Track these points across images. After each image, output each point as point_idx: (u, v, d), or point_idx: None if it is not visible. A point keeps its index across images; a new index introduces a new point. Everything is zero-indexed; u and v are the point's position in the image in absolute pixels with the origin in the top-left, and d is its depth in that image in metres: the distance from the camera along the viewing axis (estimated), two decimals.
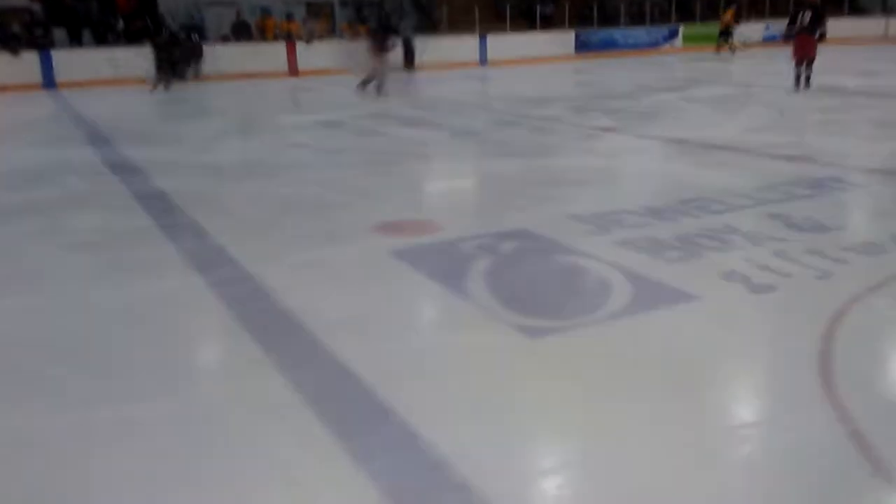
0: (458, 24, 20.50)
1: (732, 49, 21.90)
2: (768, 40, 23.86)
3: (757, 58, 20.31)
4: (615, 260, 4.11)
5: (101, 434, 2.59)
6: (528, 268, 4.11)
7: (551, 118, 10.13)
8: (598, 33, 23.30)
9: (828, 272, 3.84)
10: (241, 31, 19.50)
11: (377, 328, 3.41)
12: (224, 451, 2.46)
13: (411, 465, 2.33)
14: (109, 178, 6.88)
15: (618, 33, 23.58)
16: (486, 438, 2.48)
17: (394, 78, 13.77)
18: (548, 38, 21.96)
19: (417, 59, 13.17)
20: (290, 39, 19.03)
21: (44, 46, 16.67)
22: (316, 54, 18.55)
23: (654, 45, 23.82)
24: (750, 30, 23.29)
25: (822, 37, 11.89)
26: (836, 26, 13.02)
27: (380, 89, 12.91)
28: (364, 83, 12.97)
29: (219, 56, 16.19)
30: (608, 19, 24.15)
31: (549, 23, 23.15)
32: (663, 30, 24.27)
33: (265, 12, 19.97)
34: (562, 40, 22.31)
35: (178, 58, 15.81)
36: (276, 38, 19.31)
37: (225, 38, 19.39)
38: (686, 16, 25.13)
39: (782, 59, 18.10)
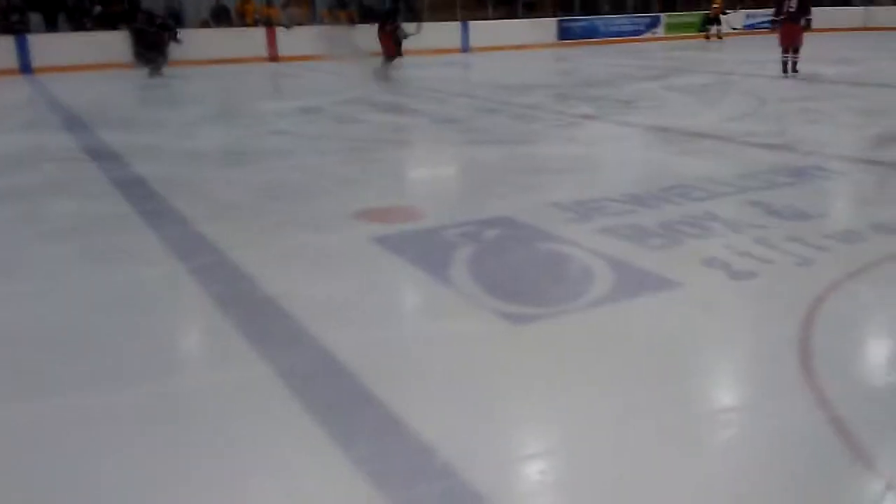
0: (439, 11, 20.41)
1: (720, 37, 22.09)
2: (749, 28, 23.97)
3: (738, 46, 20.41)
4: (597, 247, 4.12)
5: (80, 420, 2.55)
6: (511, 255, 4.11)
7: (533, 105, 10.12)
8: (580, 21, 23.29)
9: (808, 259, 3.86)
10: (220, 17, 19.29)
11: (360, 315, 3.39)
12: (207, 438, 2.44)
13: (395, 451, 2.32)
14: (87, 165, 6.79)
15: (600, 21, 23.58)
16: (470, 424, 2.47)
17: (376, 64, 13.69)
18: (530, 26, 21.92)
19: (413, 38, 13.30)
20: (269, 25, 18.86)
21: (19, 31, 16.40)
22: (296, 40, 18.39)
23: (635, 33, 23.84)
24: (732, 18, 23.42)
25: (808, 24, 12.20)
26: (817, 15, 13.31)
27: (384, 73, 13.13)
28: (384, 69, 13.21)
29: (189, 43, 15.95)
30: (590, 7, 24.14)
31: (531, 10, 23.10)
32: (645, 18, 24.30)
33: None
34: (544, 28, 22.28)
35: (153, 42, 15.63)
36: (255, 23, 19.13)
37: (204, 24, 19.17)
38: (668, 5, 25.17)
39: (763, 48, 18.22)
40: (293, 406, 2.59)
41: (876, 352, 3.12)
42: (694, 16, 24.97)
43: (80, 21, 17.62)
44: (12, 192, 5.80)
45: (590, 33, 23.02)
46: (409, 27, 13.72)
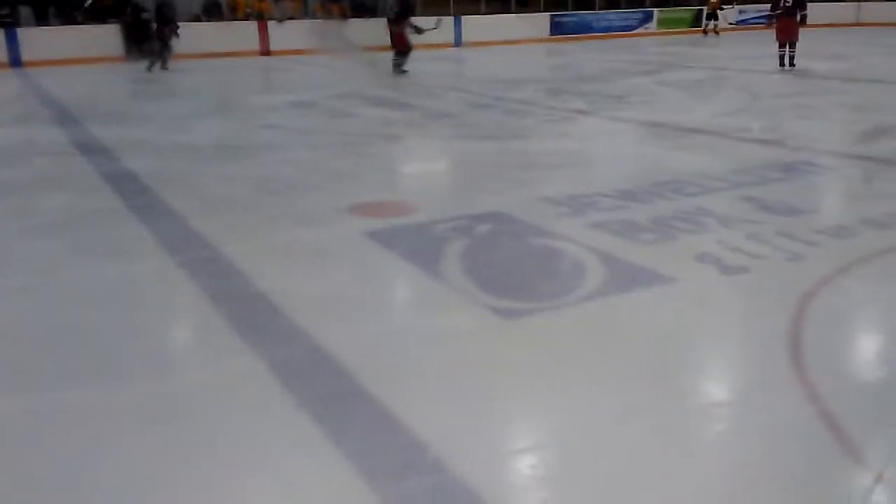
0: (432, 6, 20.35)
1: (717, 32, 22.18)
2: (741, 24, 24.01)
3: (731, 42, 20.44)
4: (590, 242, 4.12)
5: (71, 417, 2.54)
6: (503, 250, 4.10)
7: (526, 100, 10.11)
8: (573, 16, 23.27)
9: (799, 254, 3.87)
10: (211, 10, 19.19)
11: (352, 310, 3.39)
12: (199, 434, 2.43)
13: (387, 446, 2.32)
14: (78, 159, 6.75)
15: (592, 16, 23.56)
16: (461, 419, 2.47)
17: (368, 58, 13.66)
18: (523, 21, 21.90)
19: (433, 32, 13.52)
20: (261, 19, 18.78)
21: (9, 25, 16.29)
22: (288, 34, 18.32)
23: (628, 28, 23.83)
24: (729, 14, 23.48)
25: (804, 19, 12.44)
26: (810, 10, 13.49)
27: (398, 66, 13.35)
28: (398, 65, 13.33)
29: (180, 37, 15.91)
30: (583, 2, 24.12)
31: (524, 5, 23.07)
32: (638, 13, 24.30)
33: None
34: (537, 23, 22.25)
35: (144, 36, 15.59)
36: (247, 17, 19.05)
37: (195, 18, 19.08)
38: (660, 0, 25.17)
39: (756, 43, 18.25)
40: (285, 401, 2.59)
41: (866, 347, 3.13)
42: (686, 11, 25.00)
43: (71, 14, 17.52)
44: (2, 186, 5.76)
45: (582, 28, 23.00)
46: (428, 21, 13.79)
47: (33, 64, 15.78)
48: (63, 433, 2.45)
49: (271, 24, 18.70)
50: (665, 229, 4.32)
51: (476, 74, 14.16)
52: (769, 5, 13.28)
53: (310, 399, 2.59)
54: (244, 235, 4.43)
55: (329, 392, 2.65)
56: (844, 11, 25.71)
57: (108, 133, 7.92)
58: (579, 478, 2.19)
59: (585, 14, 23.53)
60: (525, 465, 2.29)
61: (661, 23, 24.31)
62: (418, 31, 13.50)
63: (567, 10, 23.41)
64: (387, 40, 16.01)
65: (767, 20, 13.58)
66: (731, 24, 23.10)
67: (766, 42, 13.06)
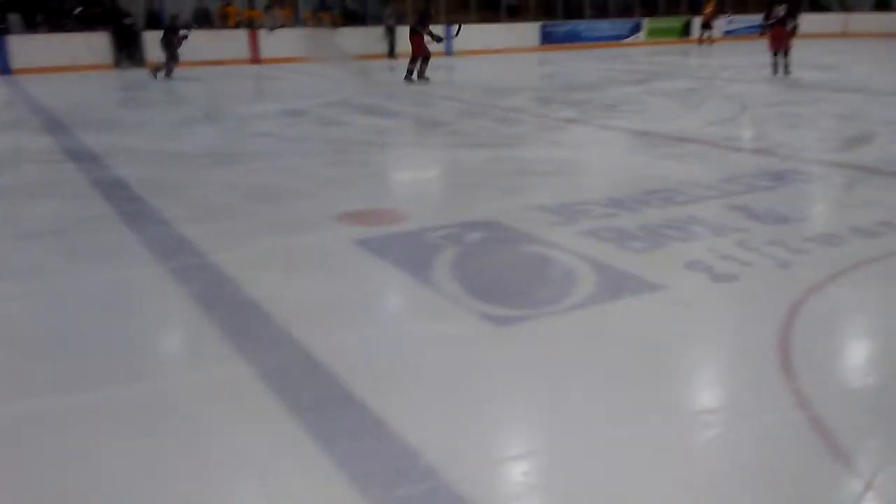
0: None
1: (711, 41, 22.41)
2: (729, 34, 24.17)
3: (720, 51, 20.58)
4: (581, 250, 4.13)
5: (60, 422, 2.52)
6: (495, 257, 4.11)
7: (516, 109, 10.14)
8: (563, 25, 23.38)
9: (788, 262, 3.90)
10: (202, 19, 19.19)
11: (342, 317, 3.38)
12: (190, 440, 2.42)
13: (378, 452, 2.31)
14: (68, 166, 6.73)
15: (582, 25, 23.68)
16: (453, 426, 2.47)
17: (358, 66, 13.69)
18: (513, 30, 21.98)
19: (453, 39, 13.79)
20: (252, 27, 18.79)
21: None
22: (279, 42, 18.33)
23: (618, 37, 23.96)
24: (721, 23, 23.71)
25: (795, 29, 13.01)
26: (799, 21, 13.79)
27: (421, 74, 13.59)
28: (410, 72, 13.60)
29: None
30: (573, 12, 24.24)
31: (514, 14, 23.17)
32: (627, 23, 24.43)
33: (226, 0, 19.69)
34: (527, 32, 22.35)
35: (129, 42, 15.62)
36: (237, 25, 19.05)
37: (186, 25, 19.08)
38: (650, 10, 25.33)
39: (744, 53, 18.38)
40: (277, 407, 2.58)
41: (855, 353, 3.15)
42: (676, 20, 25.16)
43: (60, 22, 17.48)
44: None
45: (572, 38, 23.11)
46: (450, 30, 13.99)
47: (23, 71, 15.74)
48: (53, 438, 2.43)
49: (262, 33, 18.72)
50: (655, 237, 4.34)
51: (467, 82, 14.20)
52: (758, 16, 13.61)
53: (301, 406, 2.59)
54: (235, 243, 4.42)
55: (320, 399, 2.65)
56: (831, 22, 25.95)
57: (98, 140, 7.89)
58: (571, 485, 2.19)
59: (575, 23, 23.65)
60: (517, 471, 2.28)
61: (650, 32, 24.45)
62: (437, 39, 13.73)
63: (557, 20, 23.52)
64: (377, 48, 16.13)
65: (760, 30, 14.18)
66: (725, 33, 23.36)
67: (754, 52, 13.20)
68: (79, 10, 17.52)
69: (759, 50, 13.41)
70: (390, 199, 5.75)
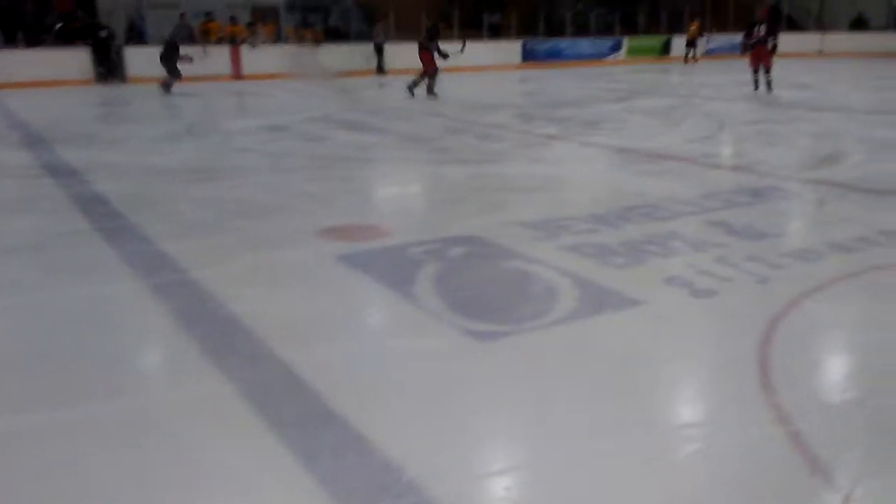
0: (404, 32, 20.51)
1: (695, 59, 22.80)
2: (708, 53, 24.47)
3: (699, 70, 20.84)
4: (562, 265, 4.15)
5: (37, 440, 2.49)
6: (477, 273, 4.12)
7: (499, 125, 10.20)
8: (545, 43, 23.59)
9: (767, 277, 3.93)
10: (183, 34, 19.15)
11: (324, 333, 3.37)
12: (169, 457, 2.39)
13: (360, 468, 2.30)
14: (46, 181, 6.67)
15: (564, 44, 23.91)
16: (435, 442, 2.47)
17: (339, 83, 13.72)
18: (495, 47, 22.14)
19: (461, 56, 14.00)
20: (233, 43, 18.80)
21: None
22: (261, 58, 18.35)
23: (598, 55, 24.21)
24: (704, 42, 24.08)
25: (774, 48, 13.51)
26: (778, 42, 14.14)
27: (429, 89, 13.72)
28: (415, 85, 13.77)
29: (150, 59, 15.94)
30: (554, 30, 24.47)
31: (496, 32, 23.35)
32: (608, 41, 24.69)
33: (208, 16, 19.69)
34: (508, 49, 22.52)
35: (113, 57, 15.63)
36: (219, 41, 19.05)
37: (187, 34, 19.08)
38: (629, 29, 25.63)
39: (723, 71, 18.62)
40: (257, 424, 2.56)
41: (833, 368, 3.18)
42: (655, 39, 25.47)
43: (39, 37, 17.41)
44: None
45: (553, 55, 23.33)
46: (454, 46, 14.20)
47: (2, 86, 15.62)
48: (30, 455, 2.40)
49: (244, 49, 18.73)
50: (636, 253, 4.37)
51: (450, 99, 14.26)
52: (736, 35, 14.03)
53: (282, 422, 2.57)
54: (216, 258, 4.40)
55: (302, 415, 2.63)
56: (808, 42, 26.38)
57: (78, 156, 7.84)
58: (554, 499, 2.19)
59: (557, 41, 23.87)
60: (500, 486, 2.28)
61: (630, 51, 24.74)
62: (444, 55, 13.85)
63: (539, 38, 23.73)
64: (363, 65, 16.23)
65: (741, 49, 14.44)
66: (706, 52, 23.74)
67: (733, 70, 13.42)
68: (59, 25, 17.47)
69: (738, 68, 13.64)
70: (373, 214, 5.75)
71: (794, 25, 27.99)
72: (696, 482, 2.29)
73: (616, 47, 24.65)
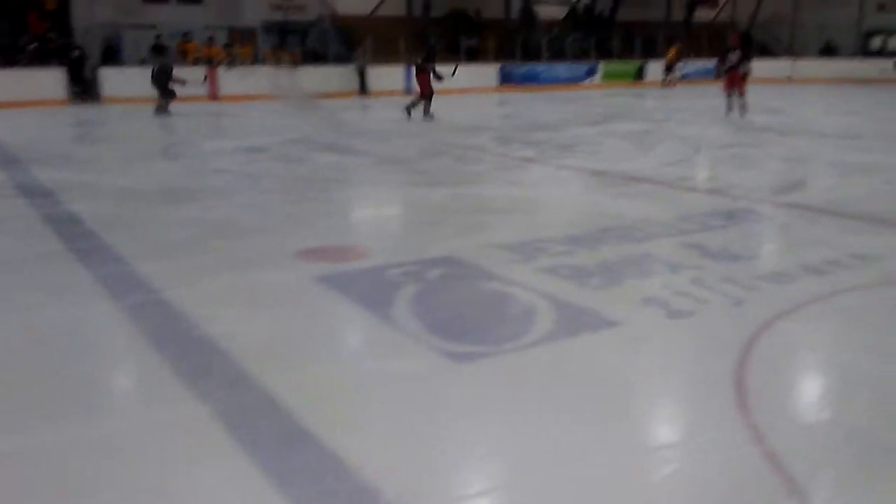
0: (383, 54, 20.63)
1: (673, 84, 23.22)
2: (682, 78, 24.83)
3: (673, 95, 21.13)
4: (540, 287, 4.16)
5: (5, 462, 2.44)
6: (455, 294, 4.12)
7: (476, 147, 10.26)
8: (521, 67, 23.82)
9: (742, 299, 3.97)
10: (159, 55, 19.10)
11: (301, 355, 3.35)
12: (141, 482, 2.35)
13: (336, 491, 2.28)
14: (19, 202, 6.59)
15: (540, 67, 24.16)
16: (412, 463, 2.45)
17: (322, 106, 13.74)
18: (472, 70, 22.30)
19: (451, 79, 14.42)
20: (210, 64, 18.76)
21: None
22: (238, 79, 18.32)
23: (574, 80, 24.48)
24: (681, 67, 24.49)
25: (748, 73, 14.00)
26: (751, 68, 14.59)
27: (426, 111, 13.87)
28: (412, 105, 13.91)
29: (126, 80, 15.95)
30: (530, 54, 24.72)
31: (473, 55, 23.54)
32: (584, 66, 24.99)
33: (185, 37, 19.66)
34: (486, 72, 22.70)
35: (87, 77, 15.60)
36: (196, 62, 19.00)
37: (142, 61, 19.03)
38: (605, 54, 25.97)
39: (697, 96, 18.89)
40: (231, 447, 2.53)
41: (808, 388, 3.21)
42: (630, 64, 25.82)
43: (14, 58, 17.27)
44: None
45: (530, 79, 23.55)
46: (447, 69, 14.44)
47: None
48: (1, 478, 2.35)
49: (221, 70, 18.70)
50: (612, 274, 4.40)
51: (426, 122, 14.32)
52: (711, 61, 14.44)
53: (257, 444, 2.54)
54: (191, 280, 4.36)
55: (277, 437, 2.60)
56: (779, 68, 26.90)
57: (52, 176, 7.77)
58: None
59: (533, 65, 24.11)
60: None
61: (605, 75, 25.04)
62: (438, 77, 14.04)
63: (515, 62, 23.95)
64: (344, 87, 16.30)
65: (715, 74, 15.13)
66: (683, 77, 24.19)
67: (706, 95, 13.62)
68: (33, 45, 17.37)
69: (711, 93, 13.86)
70: (351, 235, 5.75)
71: (766, 52, 28.54)
72: (672, 501, 2.29)
73: (591, 72, 24.95)
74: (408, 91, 20.72)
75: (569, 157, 9.46)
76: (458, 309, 3.89)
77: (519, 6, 26.85)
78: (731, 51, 14.04)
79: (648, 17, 28.89)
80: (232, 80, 18.41)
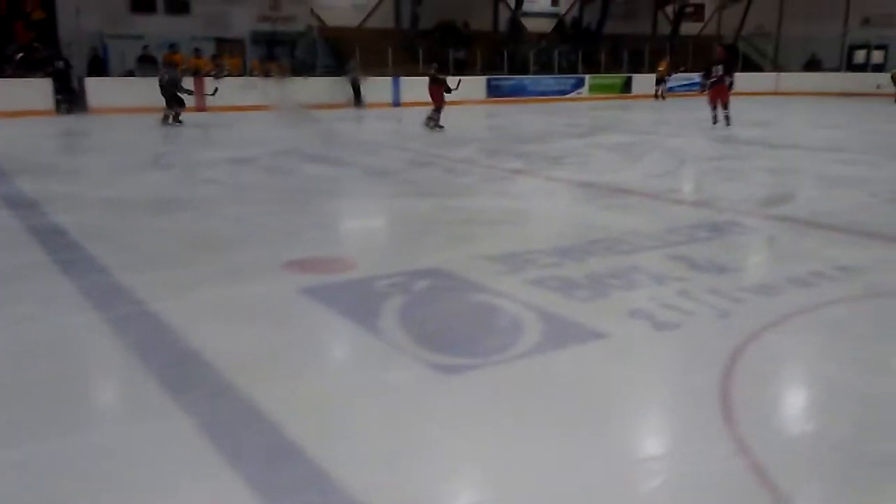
0: (371, 67, 20.67)
1: (663, 96, 23.47)
2: (670, 91, 25.00)
3: (659, 108, 21.26)
4: (527, 299, 4.16)
5: None
6: (442, 306, 4.11)
7: (465, 159, 10.27)
8: (509, 80, 23.92)
9: (728, 311, 3.98)
10: (146, 66, 19.08)
11: (287, 367, 3.33)
12: (126, 495, 2.33)
13: None
14: (3, 213, 6.53)
15: (528, 80, 24.27)
16: (399, 476, 2.43)
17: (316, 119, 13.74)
18: (461, 83, 22.34)
19: (453, 92, 14.62)
20: (197, 75, 18.72)
21: None
22: (225, 90, 18.28)
23: (561, 92, 24.60)
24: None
25: (731, 85, 14.54)
26: (736, 80, 15.08)
27: (435, 122, 14.10)
28: (430, 119, 14.17)
29: (114, 90, 15.91)
30: (518, 67, 24.84)
31: (461, 67, 23.61)
32: (571, 79, 25.12)
33: (172, 48, 19.62)
34: (474, 85, 22.75)
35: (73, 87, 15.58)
36: (183, 73, 18.95)
37: (129, 73, 18.98)
38: (592, 66, 26.12)
39: (682, 109, 19.02)
40: (216, 461, 2.51)
41: (794, 401, 3.22)
42: (617, 77, 25.98)
43: (1, 68, 17.18)
44: None
45: (518, 91, 23.65)
46: (452, 82, 14.64)
47: None
48: None
49: (208, 81, 18.66)
50: (600, 286, 4.40)
51: (415, 133, 14.34)
52: (696, 74, 14.80)
53: (243, 458, 2.52)
54: (176, 291, 4.33)
55: (263, 451, 2.58)
56: (764, 81, 27.17)
57: (36, 187, 7.72)
58: None
59: (521, 78, 24.22)
60: None
61: (592, 88, 25.18)
62: (448, 90, 14.35)
63: (503, 74, 24.05)
64: (335, 98, 16.38)
65: (701, 87, 15.57)
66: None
67: (692, 107, 13.72)
68: (20, 55, 17.29)
69: (697, 106, 13.97)
70: (338, 247, 5.73)
71: (752, 66, 28.80)
72: None
73: (579, 84, 25.09)
74: (396, 103, 20.80)
75: (557, 168, 9.49)
76: (445, 321, 3.88)
77: (507, 19, 26.98)
78: (715, 64, 14.41)
79: (635, 31, 29.11)
80: (220, 90, 18.36)
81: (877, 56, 27.63)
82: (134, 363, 3.33)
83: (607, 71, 26.15)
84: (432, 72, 14.66)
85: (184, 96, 14.74)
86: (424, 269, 4.73)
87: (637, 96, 25.16)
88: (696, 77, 17.01)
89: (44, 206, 6.72)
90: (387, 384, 3.16)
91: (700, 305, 4.05)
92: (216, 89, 15.53)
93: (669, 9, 30.29)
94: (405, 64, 21.97)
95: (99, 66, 18.97)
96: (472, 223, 6.27)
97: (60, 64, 17.06)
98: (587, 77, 25.33)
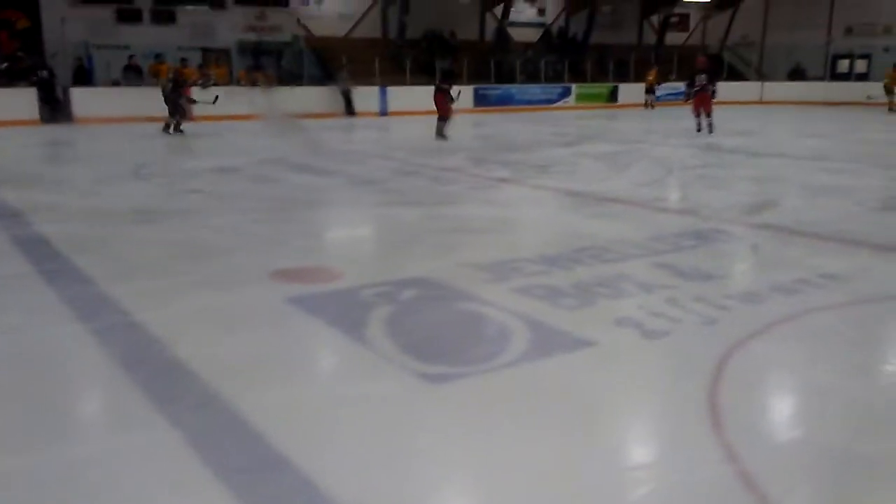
0: (358, 76, 20.67)
1: (652, 105, 23.67)
2: (656, 100, 25.16)
3: (643, 117, 21.39)
4: (514, 307, 4.16)
5: None
6: (428, 315, 4.10)
7: (451, 168, 10.28)
8: (496, 89, 23.99)
9: (715, 319, 4.00)
10: (132, 75, 19.02)
11: (274, 377, 3.31)
12: None
13: None
14: None
15: (514, 89, 24.36)
16: (387, 486, 2.42)
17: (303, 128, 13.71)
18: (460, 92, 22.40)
19: (455, 102, 14.68)
20: (185, 85, 18.66)
21: None
22: (212, 100, 18.22)
23: (548, 101, 24.70)
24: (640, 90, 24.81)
25: (714, 93, 15.09)
26: (720, 89, 15.74)
27: (438, 132, 14.23)
28: (440, 130, 14.25)
29: (99, 100, 15.84)
30: (505, 77, 24.92)
31: (448, 77, 23.63)
32: (557, 88, 25.24)
33: (158, 58, 19.57)
34: (461, 94, 22.79)
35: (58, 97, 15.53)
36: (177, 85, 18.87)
37: (115, 82, 18.91)
38: (578, 76, 26.25)
39: (668, 118, 19.14)
40: (202, 472, 2.48)
41: (781, 407, 3.23)
42: (603, 87, 26.12)
43: None
44: None
45: (505, 101, 23.73)
46: (453, 91, 14.66)
47: None
48: None
49: (194, 90, 18.60)
50: (586, 294, 4.41)
51: (401, 142, 14.36)
52: (681, 84, 15.23)
53: (228, 470, 2.50)
54: (161, 301, 4.30)
55: (249, 462, 2.56)
56: (749, 90, 27.39)
57: (20, 196, 7.66)
58: None
59: (508, 87, 24.30)
60: None
61: (579, 97, 25.30)
62: (451, 99, 14.48)
63: (490, 83, 24.13)
64: (317, 107, 16.35)
65: (685, 96, 15.81)
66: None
67: (678, 116, 13.83)
68: (4, 65, 17.20)
69: (682, 115, 14.07)
70: (324, 256, 5.71)
71: (736, 75, 29.03)
72: None
73: (565, 94, 25.20)
74: (383, 112, 20.81)
75: (544, 177, 9.52)
76: (432, 330, 3.87)
77: (493, 29, 27.08)
78: (698, 74, 14.86)
79: (621, 41, 29.29)
80: (207, 99, 18.32)
81: (860, 65, 27.90)
82: (119, 373, 3.31)
83: (594, 80, 26.30)
84: (437, 82, 14.81)
85: (184, 104, 14.73)
86: (411, 278, 4.72)
87: (623, 105, 25.29)
88: (681, 87, 17.17)
89: (28, 216, 6.67)
90: (374, 394, 3.15)
91: (686, 313, 4.07)
92: (217, 97, 15.44)
93: (655, 18, 30.51)
94: (392, 73, 22.00)
95: (84, 76, 18.90)
96: (459, 232, 6.27)
97: (44, 73, 16.99)
98: (574, 86, 25.45)
